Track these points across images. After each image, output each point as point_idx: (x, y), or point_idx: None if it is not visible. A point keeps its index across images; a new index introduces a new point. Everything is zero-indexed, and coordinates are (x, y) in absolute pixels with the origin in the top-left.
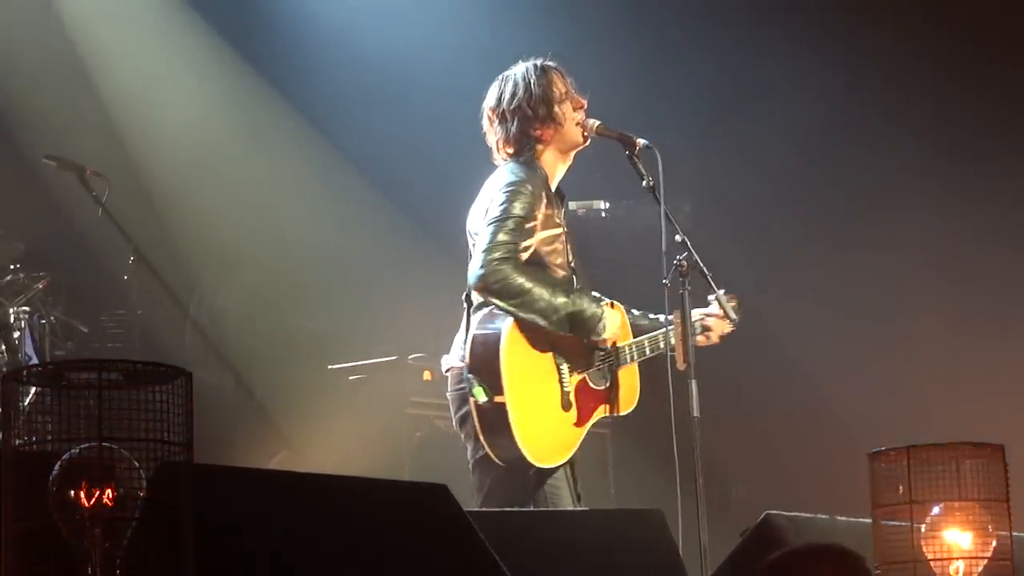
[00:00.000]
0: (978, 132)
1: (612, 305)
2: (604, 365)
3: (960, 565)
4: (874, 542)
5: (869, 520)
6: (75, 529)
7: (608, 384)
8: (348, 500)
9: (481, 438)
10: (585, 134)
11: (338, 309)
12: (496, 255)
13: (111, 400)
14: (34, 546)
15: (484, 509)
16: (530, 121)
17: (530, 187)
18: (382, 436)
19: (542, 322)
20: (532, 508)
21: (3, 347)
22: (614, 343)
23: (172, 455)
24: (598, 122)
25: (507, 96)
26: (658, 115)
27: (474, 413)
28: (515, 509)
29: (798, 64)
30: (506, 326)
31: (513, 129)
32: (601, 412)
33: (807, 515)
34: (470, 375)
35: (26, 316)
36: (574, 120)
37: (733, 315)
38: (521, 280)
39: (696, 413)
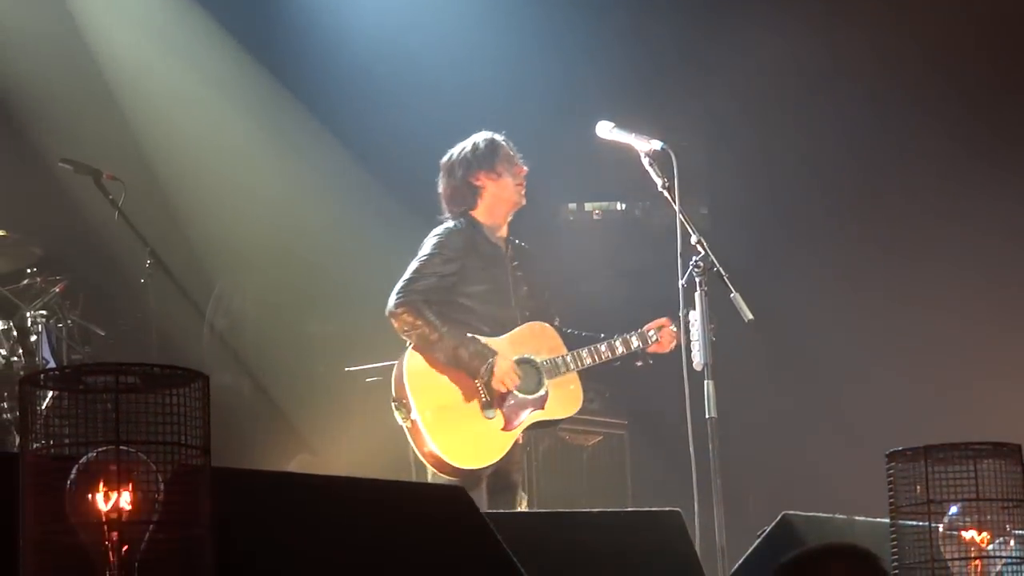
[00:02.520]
0: (998, 133)
1: (541, 327)
2: (533, 375)
3: (978, 565)
4: (892, 542)
5: (887, 520)
6: (92, 533)
7: (541, 392)
8: (366, 503)
9: (419, 456)
10: (523, 194)
11: (354, 311)
12: (402, 293)
13: (128, 404)
14: (52, 550)
15: (501, 511)
16: (472, 170)
17: (456, 236)
18: (400, 438)
19: (431, 351)
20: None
21: (20, 351)
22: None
23: (189, 459)
24: (612, 124)
25: (456, 151)
26: (673, 117)
27: (408, 437)
28: (533, 511)
29: (817, 65)
30: (407, 354)
31: (458, 178)
32: (535, 417)
33: (824, 515)
34: (392, 403)
35: (43, 320)
36: (514, 180)
37: (749, 315)
38: (418, 314)
39: (712, 414)
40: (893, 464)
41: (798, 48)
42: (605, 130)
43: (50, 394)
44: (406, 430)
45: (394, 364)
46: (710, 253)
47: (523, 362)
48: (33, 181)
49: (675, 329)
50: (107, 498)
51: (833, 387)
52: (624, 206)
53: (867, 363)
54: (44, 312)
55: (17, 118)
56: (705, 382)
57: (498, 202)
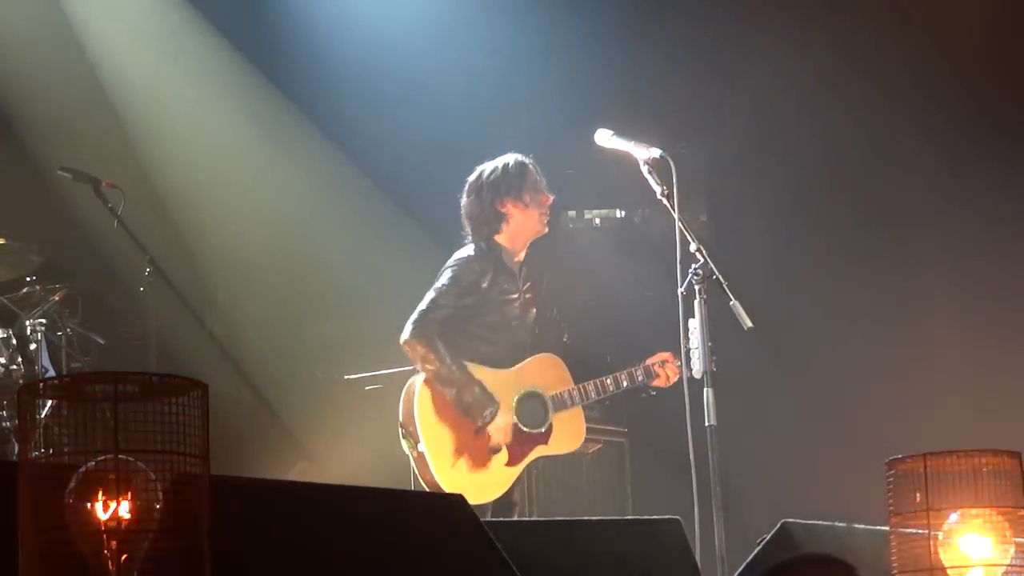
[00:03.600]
0: (999, 141)
1: (550, 359)
2: (540, 409)
3: (978, 573)
4: (892, 550)
5: (887, 528)
6: (91, 541)
7: (546, 427)
8: (365, 511)
9: (422, 483)
10: (547, 223)
11: (354, 319)
12: (417, 323)
13: (127, 412)
14: (51, 559)
15: (501, 519)
16: (500, 196)
17: (475, 265)
18: (399, 446)
19: (439, 385)
20: None
21: (20, 359)
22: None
23: (188, 467)
24: (611, 132)
25: (487, 172)
26: (672, 125)
27: (412, 465)
28: (532, 519)
29: (817, 72)
30: (419, 381)
31: (485, 202)
32: (539, 452)
33: (824, 523)
34: (400, 429)
35: (42, 328)
36: (539, 211)
37: (748, 322)
38: (434, 352)
39: (712, 422)
40: (893, 471)
41: (798, 55)
42: (604, 138)
43: (49, 403)
44: (412, 459)
45: (393, 371)
46: (709, 261)
47: (530, 396)
48: (32, 189)
49: (679, 364)
50: (106, 507)
51: (833, 394)
52: (623, 213)
53: (867, 370)
54: (43, 320)
55: (16, 126)
56: (705, 390)
57: (522, 231)
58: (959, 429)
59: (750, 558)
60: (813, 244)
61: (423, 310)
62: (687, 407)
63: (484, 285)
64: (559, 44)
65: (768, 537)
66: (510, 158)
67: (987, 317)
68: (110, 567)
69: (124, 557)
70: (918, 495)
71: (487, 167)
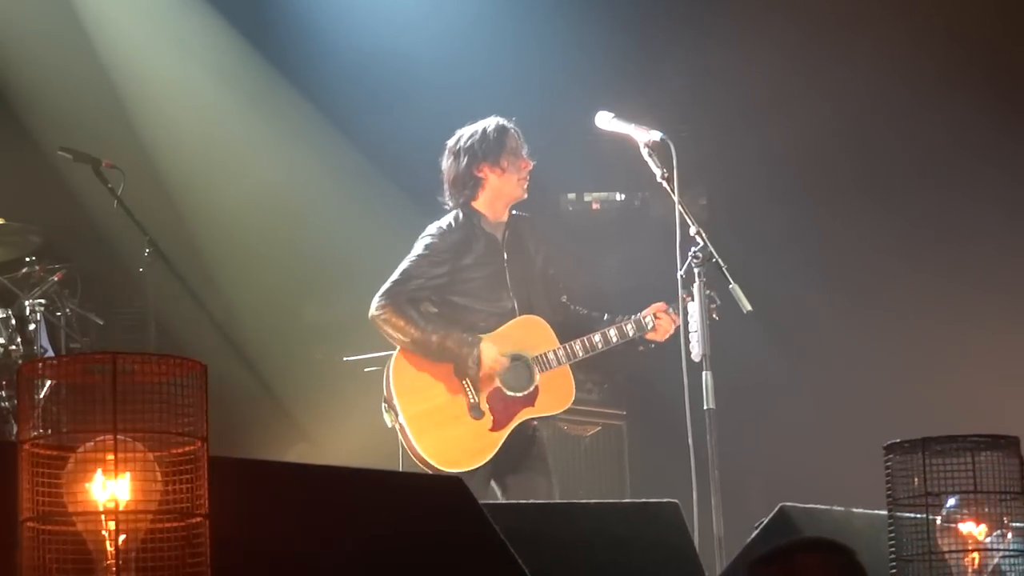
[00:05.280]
0: (992, 125)
1: (532, 320)
2: (524, 371)
3: (975, 557)
4: (890, 534)
5: (884, 512)
6: (90, 522)
7: (531, 388)
8: (364, 492)
9: (411, 456)
10: (526, 188)
11: (353, 300)
12: (384, 295)
13: (126, 393)
14: (50, 539)
15: (499, 502)
16: (476, 161)
17: (451, 235)
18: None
19: (417, 350)
20: None
21: (19, 339)
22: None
23: (187, 448)
24: (612, 114)
25: (465, 136)
26: (673, 107)
27: (399, 439)
28: (530, 502)
29: (817, 55)
30: (393, 356)
31: (462, 165)
32: (525, 415)
33: (822, 507)
34: (383, 404)
35: (42, 308)
36: (518, 176)
37: (747, 306)
38: (401, 314)
39: (711, 405)
40: (891, 456)
41: (799, 38)
42: (605, 120)
43: (48, 383)
44: (397, 432)
45: (392, 354)
46: (709, 244)
47: (512, 358)
48: (32, 170)
49: (674, 313)
50: (105, 487)
51: (832, 379)
52: (623, 196)
53: (866, 355)
54: (43, 301)
55: (16, 106)
56: (703, 373)
57: (499, 196)
58: (957, 414)
59: (748, 541)
60: (813, 228)
61: (393, 281)
62: (686, 390)
63: (459, 254)
64: (560, 25)
65: (766, 521)
66: (490, 122)
67: (987, 302)
68: (108, 547)
69: (123, 538)
70: (916, 480)
71: (466, 131)
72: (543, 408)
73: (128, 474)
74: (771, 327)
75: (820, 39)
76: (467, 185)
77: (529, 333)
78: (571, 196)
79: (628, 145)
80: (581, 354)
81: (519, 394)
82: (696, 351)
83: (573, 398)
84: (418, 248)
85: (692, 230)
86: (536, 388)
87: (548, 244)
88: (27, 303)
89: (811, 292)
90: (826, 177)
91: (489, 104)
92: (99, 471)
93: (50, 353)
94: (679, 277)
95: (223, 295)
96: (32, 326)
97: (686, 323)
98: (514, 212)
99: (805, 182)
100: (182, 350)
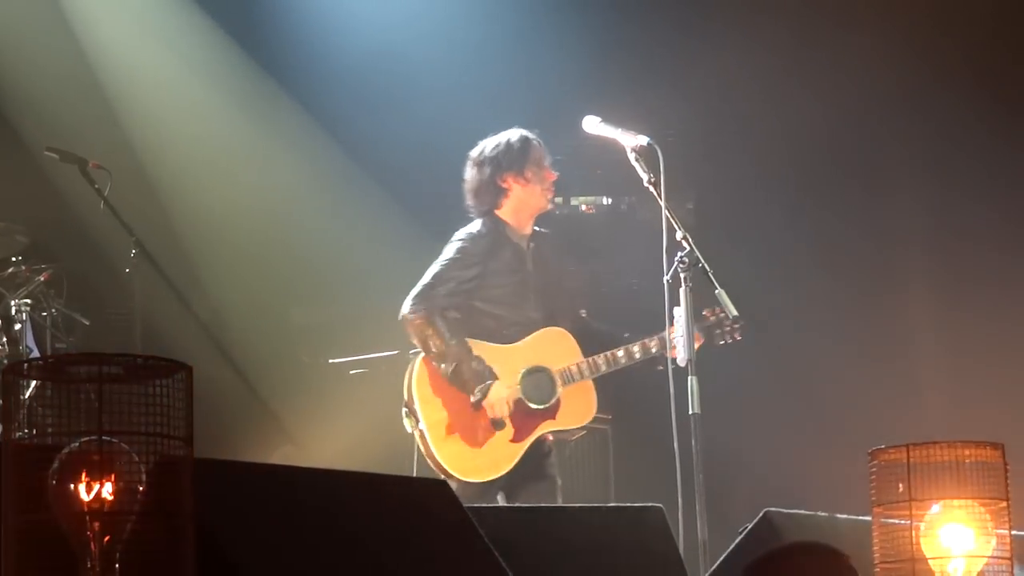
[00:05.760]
0: (982, 127)
1: (557, 332)
2: (546, 384)
3: (960, 563)
4: (874, 540)
5: (869, 518)
6: (74, 523)
7: (553, 401)
8: (348, 495)
9: (427, 463)
10: (551, 199)
11: (339, 303)
12: (417, 299)
13: (111, 394)
14: (33, 539)
15: (484, 505)
16: (500, 171)
17: (480, 240)
18: (383, 431)
19: (435, 360)
20: None
21: (4, 339)
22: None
23: (172, 449)
24: (599, 119)
25: (488, 147)
26: (660, 113)
27: (417, 443)
28: (515, 505)
29: (804, 60)
30: (416, 361)
31: (485, 175)
32: (546, 427)
33: (806, 512)
34: (403, 409)
35: (27, 309)
36: (542, 186)
37: (734, 311)
38: (432, 327)
39: (696, 410)
40: (876, 462)
41: (787, 43)
42: (592, 125)
43: (34, 383)
44: (416, 438)
45: (377, 356)
46: (695, 249)
47: (535, 371)
48: (19, 169)
49: (697, 332)
50: (89, 488)
51: (817, 384)
52: (610, 201)
53: (851, 360)
54: (28, 301)
55: (2, 106)
56: (689, 378)
57: (523, 206)
58: (942, 420)
59: (732, 547)
60: (798, 234)
61: (425, 284)
62: (671, 395)
63: (488, 258)
64: (548, 30)
65: (750, 526)
66: (514, 133)
67: (971, 308)
68: (93, 548)
69: (107, 538)
70: (901, 486)
71: (490, 141)
72: (564, 421)
73: (112, 475)
74: (757, 332)
75: (809, 43)
76: (491, 194)
77: (553, 346)
78: (558, 200)
79: (615, 149)
80: (604, 369)
81: (540, 406)
82: (682, 356)
83: (594, 413)
84: (449, 252)
85: (679, 235)
86: (558, 401)
87: (568, 259)
88: (13, 303)
89: (797, 297)
90: (813, 182)
91: (476, 108)
92: (84, 472)
93: (36, 353)
94: (665, 282)
95: (209, 296)
96: (18, 326)
97: (672, 328)
98: (536, 228)
99: (792, 187)
100: (168, 351)
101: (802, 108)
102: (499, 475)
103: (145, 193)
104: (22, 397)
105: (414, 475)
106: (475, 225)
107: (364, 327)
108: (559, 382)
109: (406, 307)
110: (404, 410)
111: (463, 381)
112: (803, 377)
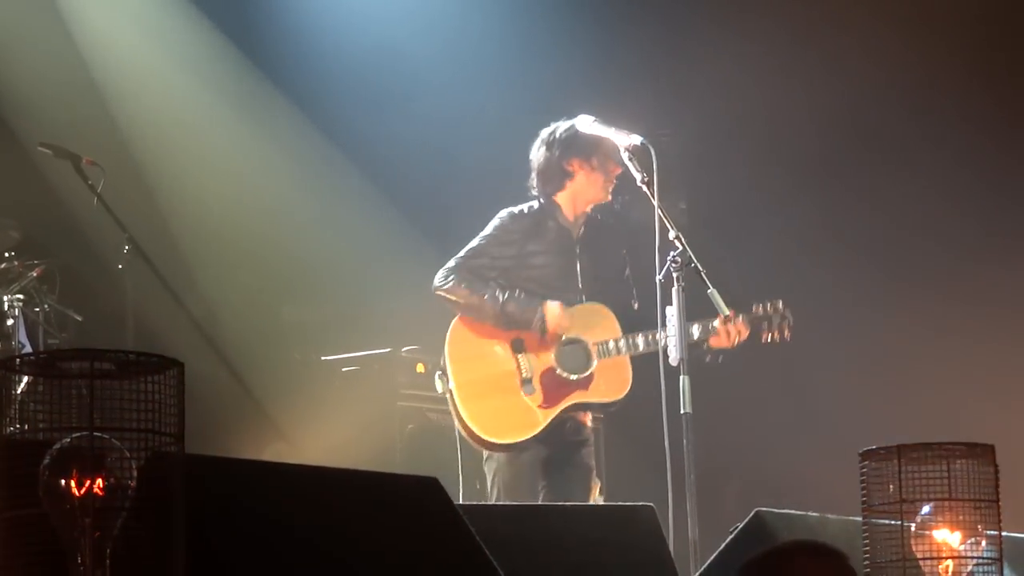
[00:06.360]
0: (975, 129)
1: (598, 307)
2: (582, 355)
3: (949, 565)
4: (864, 541)
5: (859, 519)
6: (65, 518)
7: (587, 373)
8: (339, 492)
9: (455, 422)
10: (610, 191)
11: (332, 301)
12: (450, 269)
13: (103, 390)
14: (24, 535)
15: (474, 503)
16: (569, 153)
17: (517, 222)
18: (374, 428)
19: (480, 316)
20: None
21: None
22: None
23: (164, 445)
24: (593, 118)
25: (562, 128)
26: (653, 112)
27: (449, 407)
28: (504, 503)
29: (799, 60)
30: (453, 321)
31: (555, 156)
32: (577, 398)
33: (797, 513)
34: (437, 371)
35: (20, 304)
36: (605, 177)
37: (725, 310)
38: (463, 284)
39: (688, 409)
40: (866, 463)
41: (781, 44)
42: (586, 124)
43: (25, 379)
44: (447, 399)
45: (370, 354)
46: (688, 249)
47: (572, 342)
48: (12, 165)
49: (743, 322)
50: (80, 484)
51: (808, 385)
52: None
53: (843, 361)
54: (21, 296)
55: None
56: (681, 377)
57: (583, 192)
58: (933, 421)
59: (723, 546)
60: (791, 234)
61: (459, 257)
62: (663, 394)
63: (529, 238)
64: (541, 28)
65: (741, 526)
66: (585, 119)
67: (962, 309)
68: (83, 544)
69: (97, 534)
70: (891, 487)
71: (563, 123)
72: (596, 394)
73: (104, 471)
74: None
75: (802, 43)
76: (555, 176)
77: (593, 319)
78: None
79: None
80: (643, 348)
81: (574, 376)
82: (673, 355)
83: (628, 389)
84: (488, 228)
85: (671, 234)
86: (592, 374)
87: (628, 248)
88: (5, 298)
89: (789, 298)
90: (805, 183)
91: (470, 106)
92: (75, 467)
93: (28, 349)
94: (658, 281)
95: (202, 293)
96: (10, 321)
97: (664, 328)
98: (593, 214)
99: (784, 187)
100: (160, 347)
101: (795, 108)
102: (523, 439)
103: (138, 190)
104: (14, 392)
105: (459, 461)
106: (523, 205)
107: (357, 325)
108: (595, 354)
109: (438, 279)
110: (438, 372)
111: (515, 317)
112: (795, 377)
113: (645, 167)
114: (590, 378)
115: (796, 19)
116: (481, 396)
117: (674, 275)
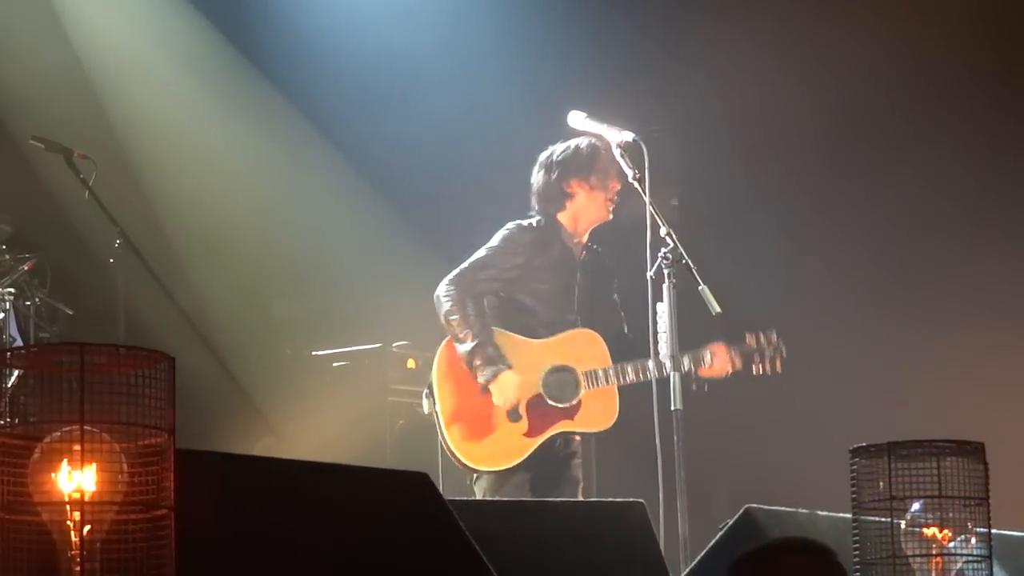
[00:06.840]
0: (969, 129)
1: (589, 335)
2: (570, 384)
3: (939, 562)
4: (854, 538)
5: (849, 516)
6: (55, 512)
7: (574, 402)
8: (330, 487)
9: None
10: (611, 210)
11: (323, 296)
12: (452, 281)
13: (94, 383)
14: (14, 529)
15: (465, 499)
16: (567, 173)
17: (523, 235)
18: (365, 423)
19: (458, 352)
20: None
21: None
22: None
23: (154, 439)
24: (584, 114)
25: (558, 151)
26: (645, 108)
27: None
28: (496, 499)
29: (791, 56)
30: (444, 341)
31: (552, 178)
32: (563, 427)
33: (787, 509)
34: (425, 389)
35: (11, 298)
36: (606, 195)
37: (716, 307)
38: (459, 310)
39: (678, 406)
40: (857, 460)
41: (773, 39)
42: (577, 120)
43: (16, 372)
44: (434, 420)
45: (360, 349)
46: (679, 245)
47: (561, 369)
48: (3, 159)
49: (735, 354)
50: (71, 477)
51: (799, 382)
52: None
53: (833, 359)
54: (12, 290)
55: None
56: (671, 374)
57: (585, 213)
58: (923, 419)
59: (713, 542)
60: (783, 231)
61: (465, 267)
62: (654, 391)
63: (533, 253)
64: (534, 25)
65: (731, 522)
66: (584, 140)
67: (954, 306)
68: (74, 538)
69: (88, 528)
70: (881, 484)
71: (559, 146)
72: (582, 423)
73: (94, 465)
74: (740, 329)
75: (796, 39)
76: (555, 197)
77: (583, 347)
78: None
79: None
80: (632, 378)
81: (560, 405)
82: (664, 352)
83: (614, 421)
84: (495, 239)
85: (663, 231)
86: (579, 402)
87: (619, 274)
88: None
89: (779, 295)
90: (799, 180)
91: (462, 104)
92: (65, 461)
93: (19, 342)
94: (649, 278)
95: (193, 288)
96: (1, 315)
97: (655, 324)
98: (592, 245)
99: (777, 184)
100: (151, 342)
101: (789, 104)
102: (506, 467)
103: (130, 184)
104: (5, 386)
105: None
106: (529, 219)
107: (347, 320)
108: (583, 383)
109: (441, 287)
110: (426, 390)
111: (475, 365)
112: (785, 374)
113: (636, 163)
114: (577, 406)
115: (790, 14)
116: (465, 422)
117: (665, 271)
